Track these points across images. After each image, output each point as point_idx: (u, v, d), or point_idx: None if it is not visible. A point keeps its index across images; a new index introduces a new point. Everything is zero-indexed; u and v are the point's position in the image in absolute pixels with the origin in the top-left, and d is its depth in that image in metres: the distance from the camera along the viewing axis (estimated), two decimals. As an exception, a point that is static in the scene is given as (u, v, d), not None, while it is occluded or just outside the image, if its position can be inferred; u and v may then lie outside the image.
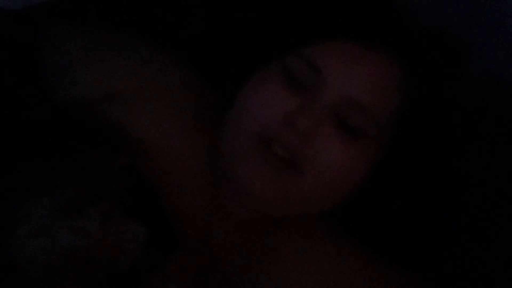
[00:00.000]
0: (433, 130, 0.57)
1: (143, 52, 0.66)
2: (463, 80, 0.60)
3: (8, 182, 0.47)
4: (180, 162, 0.60)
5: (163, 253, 0.52)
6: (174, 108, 0.62)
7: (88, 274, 0.47)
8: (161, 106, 0.62)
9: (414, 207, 0.58)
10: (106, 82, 0.62)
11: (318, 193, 0.55)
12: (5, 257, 0.45)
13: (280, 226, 0.57)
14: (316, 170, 0.53)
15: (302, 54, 0.55)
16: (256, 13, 0.69)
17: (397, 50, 0.56)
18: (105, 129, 0.59)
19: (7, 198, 0.47)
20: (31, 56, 0.65)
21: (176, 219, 0.56)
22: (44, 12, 0.73)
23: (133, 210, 0.50)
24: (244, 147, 0.54)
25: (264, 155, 0.53)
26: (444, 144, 0.58)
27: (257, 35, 0.65)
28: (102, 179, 0.50)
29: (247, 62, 0.61)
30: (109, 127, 0.59)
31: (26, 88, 0.62)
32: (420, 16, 0.60)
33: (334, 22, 0.57)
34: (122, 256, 0.48)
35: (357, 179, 0.55)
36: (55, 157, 0.49)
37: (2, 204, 0.46)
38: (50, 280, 0.46)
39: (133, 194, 0.50)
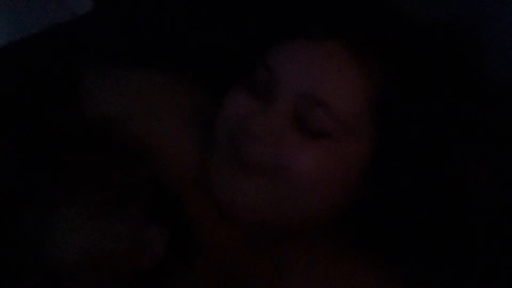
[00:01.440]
0: (410, 127, 0.54)
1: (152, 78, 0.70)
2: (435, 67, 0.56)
3: (45, 186, 0.51)
4: (190, 173, 0.61)
5: (183, 257, 0.55)
6: (182, 123, 0.64)
7: (115, 272, 0.50)
8: (169, 122, 0.64)
9: (409, 210, 0.56)
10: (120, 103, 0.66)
11: (295, 199, 0.53)
12: (39, 256, 0.49)
13: (289, 238, 0.57)
14: (283, 173, 0.52)
15: (262, 59, 0.56)
16: (222, 30, 0.70)
17: (357, 45, 0.54)
18: (128, 143, 0.62)
19: (44, 201, 0.50)
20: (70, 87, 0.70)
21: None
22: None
23: (158, 215, 0.53)
24: (217, 150, 0.56)
25: (233, 159, 0.54)
26: (428, 139, 0.55)
27: (227, 50, 0.67)
28: (129, 186, 0.53)
29: (227, 74, 0.61)
30: (130, 141, 0.63)
31: (61, 110, 0.67)
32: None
33: (284, 23, 0.57)
34: (147, 257, 0.51)
35: (342, 183, 0.54)
36: (88, 166, 0.53)
37: (39, 206, 0.50)
38: (80, 278, 0.49)
39: (158, 201, 0.54)
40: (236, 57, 0.63)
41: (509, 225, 0.58)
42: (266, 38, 0.57)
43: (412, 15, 0.59)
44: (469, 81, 0.60)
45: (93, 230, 0.50)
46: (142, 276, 0.51)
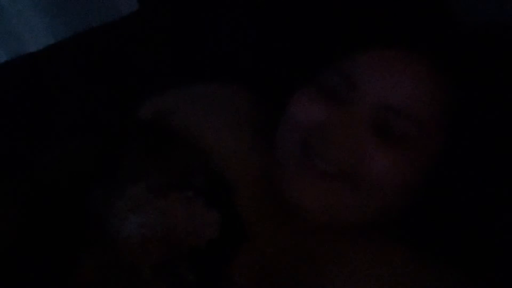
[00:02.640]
0: (487, 134, 0.56)
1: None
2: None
3: (114, 168, 0.55)
4: (238, 169, 0.62)
5: (233, 243, 0.58)
6: (231, 120, 0.67)
7: (173, 251, 0.53)
8: (217, 118, 0.67)
9: (471, 214, 0.57)
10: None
11: (366, 202, 0.55)
12: (106, 231, 0.52)
13: (339, 233, 0.58)
14: (361, 179, 0.54)
15: (338, 66, 0.56)
16: (295, 34, 0.71)
17: (433, 53, 0.55)
18: (181, 136, 0.66)
19: (112, 180, 0.54)
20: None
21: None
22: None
23: (211, 200, 0.56)
24: (289, 158, 0.56)
25: (308, 165, 0.55)
26: (502, 148, 0.56)
27: (298, 53, 0.67)
28: (186, 172, 0.57)
29: (293, 79, 0.62)
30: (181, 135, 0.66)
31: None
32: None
33: (365, 32, 0.57)
34: (201, 237, 0.54)
35: (407, 186, 0.55)
36: (149, 154, 0.57)
37: (107, 184, 0.54)
38: (139, 253, 0.52)
39: (211, 187, 0.57)
40: (301, 62, 0.64)
41: None
42: (338, 45, 0.58)
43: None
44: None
45: (153, 209, 0.53)
46: (197, 256, 0.54)
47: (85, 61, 0.87)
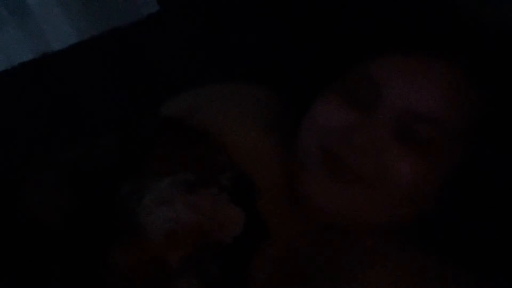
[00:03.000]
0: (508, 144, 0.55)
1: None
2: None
3: (143, 163, 0.56)
4: (260, 168, 0.63)
5: (255, 240, 0.59)
6: (251, 119, 0.68)
7: (199, 245, 0.55)
8: (237, 117, 0.67)
9: (492, 224, 0.56)
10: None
11: (385, 205, 0.55)
12: (135, 224, 0.54)
13: (358, 234, 0.59)
14: (380, 182, 0.54)
15: (362, 70, 0.57)
16: (318, 35, 0.70)
17: (458, 57, 0.55)
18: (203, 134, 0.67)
19: (141, 175, 0.56)
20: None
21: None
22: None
23: (236, 198, 0.58)
24: (309, 160, 0.57)
25: (328, 168, 0.55)
26: None
27: (321, 56, 0.67)
28: (212, 170, 0.58)
29: (314, 82, 0.63)
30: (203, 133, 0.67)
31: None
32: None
33: (389, 36, 0.57)
34: (226, 233, 0.56)
35: (428, 191, 0.55)
36: (175, 150, 0.59)
37: (137, 179, 0.55)
38: (168, 247, 0.54)
39: (236, 185, 0.59)
40: (324, 64, 0.65)
41: None
42: (359, 50, 0.58)
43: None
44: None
45: (180, 204, 0.55)
46: (222, 251, 0.56)
47: (109, 60, 0.89)
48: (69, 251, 0.56)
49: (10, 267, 0.55)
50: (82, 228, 0.56)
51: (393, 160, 0.54)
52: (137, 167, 0.58)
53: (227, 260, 0.55)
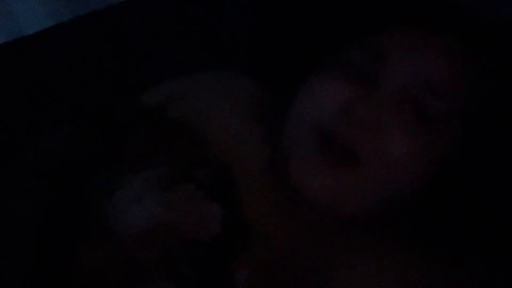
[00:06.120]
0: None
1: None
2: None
3: (115, 158, 0.53)
4: (243, 160, 0.61)
5: (236, 239, 0.56)
6: (235, 109, 0.65)
7: (174, 244, 0.52)
8: (222, 106, 0.65)
9: (486, 208, 0.55)
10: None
11: (382, 186, 0.54)
12: (105, 223, 0.51)
13: (346, 227, 0.57)
14: (377, 160, 0.52)
15: (363, 44, 0.55)
16: (313, 8, 0.68)
17: (464, 33, 0.55)
18: (184, 125, 0.64)
19: (111, 174, 0.52)
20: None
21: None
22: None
23: (214, 194, 0.55)
24: (301, 144, 0.54)
25: (321, 152, 0.53)
26: None
27: (315, 31, 0.65)
28: (188, 165, 0.55)
29: (306, 59, 0.61)
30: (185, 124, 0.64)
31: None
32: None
33: (394, 10, 0.56)
34: (204, 231, 0.53)
35: (423, 171, 0.54)
36: (150, 144, 0.55)
37: (108, 176, 0.52)
38: (142, 247, 0.51)
39: (215, 180, 0.56)
40: (318, 43, 0.62)
41: None
42: (359, 24, 0.57)
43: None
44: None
45: (154, 201, 0.52)
46: (199, 251, 0.53)
47: (85, 45, 0.86)
48: (37, 249, 0.52)
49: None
50: (52, 225, 0.53)
51: (394, 135, 0.52)
52: (110, 160, 0.54)
53: (205, 260, 0.53)
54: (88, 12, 0.87)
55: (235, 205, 0.57)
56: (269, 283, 0.55)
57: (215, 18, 0.84)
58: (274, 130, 0.60)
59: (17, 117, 0.80)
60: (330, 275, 0.55)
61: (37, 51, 0.85)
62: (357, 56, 0.55)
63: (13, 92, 0.82)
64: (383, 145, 0.52)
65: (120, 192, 0.51)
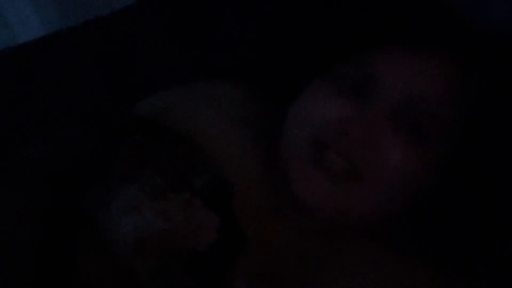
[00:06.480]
0: (506, 135, 0.55)
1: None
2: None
3: (108, 167, 0.52)
4: (239, 169, 0.60)
5: (232, 248, 0.56)
6: (229, 119, 0.65)
7: (170, 254, 0.51)
8: (216, 117, 0.65)
9: (480, 218, 0.56)
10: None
11: (378, 199, 0.54)
12: (100, 234, 0.50)
13: (342, 234, 0.57)
14: (377, 176, 0.52)
15: (356, 61, 0.55)
16: (308, 24, 0.68)
17: (456, 49, 0.55)
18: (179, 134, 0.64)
19: (106, 184, 0.52)
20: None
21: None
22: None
23: (210, 202, 0.54)
24: (299, 157, 0.54)
25: (319, 165, 0.53)
26: None
27: (310, 46, 0.64)
28: (183, 173, 0.55)
29: (301, 73, 0.60)
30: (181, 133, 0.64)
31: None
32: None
33: (386, 27, 0.56)
34: (200, 240, 0.52)
35: (420, 183, 0.54)
36: (145, 153, 0.55)
37: (102, 186, 0.51)
38: (137, 257, 0.50)
39: (211, 189, 0.55)
40: (311, 57, 0.62)
41: None
42: (353, 41, 0.57)
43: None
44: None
45: (149, 211, 0.51)
46: (195, 260, 0.52)
47: (78, 53, 0.85)
48: (34, 262, 0.51)
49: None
50: (50, 237, 0.52)
51: (390, 151, 0.52)
52: (104, 170, 0.53)
53: (201, 269, 0.52)
54: (81, 21, 0.87)
55: (232, 213, 0.56)
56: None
57: (211, 28, 0.84)
58: (270, 140, 0.60)
59: (10, 126, 0.80)
60: (328, 282, 0.55)
61: (31, 60, 0.85)
62: (350, 72, 0.55)
63: (6, 100, 0.82)
64: (381, 161, 0.53)
65: (114, 202, 0.51)
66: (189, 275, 0.51)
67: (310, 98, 0.57)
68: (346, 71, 0.55)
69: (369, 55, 0.55)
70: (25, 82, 0.83)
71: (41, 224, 0.53)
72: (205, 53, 0.82)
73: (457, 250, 0.56)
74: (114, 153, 0.55)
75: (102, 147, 0.56)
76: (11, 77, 0.83)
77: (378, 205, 0.55)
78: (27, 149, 0.61)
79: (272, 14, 0.78)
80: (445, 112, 0.54)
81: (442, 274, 0.54)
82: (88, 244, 0.51)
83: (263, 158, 0.62)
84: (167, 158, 0.55)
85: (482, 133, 0.55)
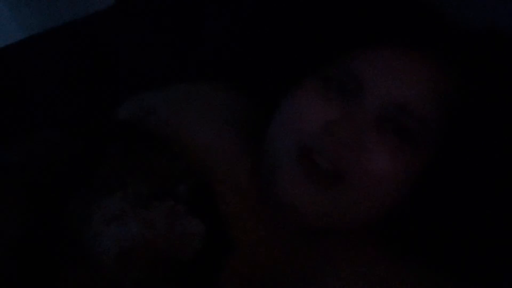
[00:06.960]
0: (490, 136, 0.55)
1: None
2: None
3: (88, 180, 0.51)
4: (224, 173, 0.60)
5: (219, 254, 0.55)
6: (213, 120, 0.65)
7: (154, 263, 0.50)
8: (199, 119, 0.64)
9: (464, 218, 0.56)
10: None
11: (364, 203, 0.54)
12: (83, 245, 0.49)
13: (328, 237, 0.57)
14: (361, 178, 0.52)
15: (341, 64, 0.55)
16: (294, 26, 0.67)
17: (439, 50, 0.55)
18: (160, 139, 0.63)
19: (87, 193, 0.50)
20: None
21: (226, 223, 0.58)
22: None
23: (194, 209, 0.53)
24: (284, 160, 0.54)
25: (305, 169, 0.53)
26: (503, 150, 0.55)
27: (296, 48, 0.64)
28: (167, 179, 0.54)
29: (286, 75, 0.60)
30: (164, 137, 0.63)
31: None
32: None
33: (370, 30, 0.56)
34: (185, 248, 0.51)
35: (405, 186, 0.54)
36: (127, 160, 0.54)
37: (84, 196, 0.50)
38: (120, 268, 0.49)
39: (195, 195, 0.54)
40: (297, 58, 0.62)
41: None
42: (339, 44, 0.57)
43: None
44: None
45: (131, 220, 0.50)
46: (181, 269, 0.51)
47: (57, 56, 0.84)
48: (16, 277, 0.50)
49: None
50: (32, 249, 0.51)
51: (375, 153, 0.53)
52: (86, 177, 0.52)
53: (188, 277, 0.51)
54: (59, 24, 0.86)
55: (217, 220, 0.55)
56: None
57: (194, 30, 0.83)
58: (255, 142, 0.60)
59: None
60: (317, 284, 0.55)
61: (9, 64, 0.83)
62: (334, 75, 0.55)
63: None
64: (366, 163, 0.52)
65: (97, 212, 0.49)
66: (175, 284, 0.50)
67: (295, 101, 0.56)
68: (332, 74, 0.55)
69: (353, 57, 0.55)
70: (3, 86, 0.81)
71: (19, 234, 0.51)
72: (187, 53, 0.81)
73: (446, 250, 0.56)
74: (96, 160, 0.53)
75: (83, 151, 0.54)
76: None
77: (365, 208, 0.55)
78: (1, 153, 0.59)
79: (255, 13, 0.77)
80: (429, 114, 0.54)
81: (433, 275, 0.54)
82: (71, 256, 0.49)
83: (248, 162, 0.61)
84: (150, 165, 0.54)
85: (467, 133, 0.55)
